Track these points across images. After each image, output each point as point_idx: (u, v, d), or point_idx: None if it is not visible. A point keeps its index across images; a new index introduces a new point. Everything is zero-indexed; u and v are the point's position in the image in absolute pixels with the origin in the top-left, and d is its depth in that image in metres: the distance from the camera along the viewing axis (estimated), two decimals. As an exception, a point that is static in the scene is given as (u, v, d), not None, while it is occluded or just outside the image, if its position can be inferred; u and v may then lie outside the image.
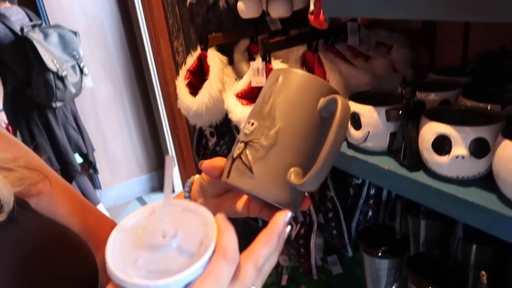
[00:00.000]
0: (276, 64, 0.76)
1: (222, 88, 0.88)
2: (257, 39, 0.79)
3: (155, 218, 0.34)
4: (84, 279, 0.42)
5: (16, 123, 2.25)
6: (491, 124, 0.52)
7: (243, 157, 0.38)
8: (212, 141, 1.02)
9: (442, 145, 0.54)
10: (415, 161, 0.59)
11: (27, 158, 0.47)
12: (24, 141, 2.21)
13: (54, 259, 0.41)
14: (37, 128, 2.18)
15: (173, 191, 3.08)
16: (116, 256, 0.31)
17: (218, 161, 0.42)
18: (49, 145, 2.21)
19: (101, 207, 2.69)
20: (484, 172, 0.54)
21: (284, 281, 1.15)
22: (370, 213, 0.97)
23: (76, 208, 0.51)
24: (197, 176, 0.51)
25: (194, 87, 0.93)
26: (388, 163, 0.63)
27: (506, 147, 0.48)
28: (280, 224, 0.34)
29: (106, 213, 2.77)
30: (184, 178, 1.21)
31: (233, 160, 0.39)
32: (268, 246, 0.33)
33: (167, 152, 3.10)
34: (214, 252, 0.31)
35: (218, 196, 0.46)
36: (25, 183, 0.42)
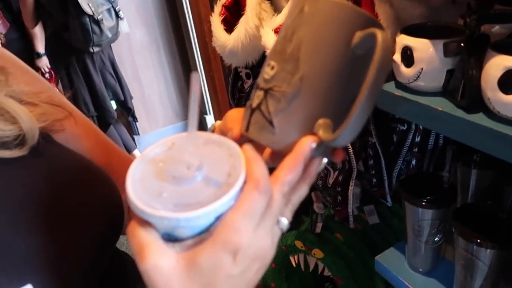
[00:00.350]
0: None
1: (259, 24, 0.82)
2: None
3: (176, 150, 0.32)
4: (110, 211, 0.41)
5: (56, 68, 2.29)
6: None
7: (262, 108, 0.33)
8: (248, 83, 0.98)
9: (510, 82, 0.47)
10: (476, 102, 0.53)
11: (50, 93, 0.45)
12: (63, 86, 2.26)
13: (79, 190, 0.39)
14: (75, 73, 2.21)
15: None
16: (139, 189, 0.29)
17: (233, 118, 0.37)
18: (87, 90, 2.25)
19: (137, 153, 2.76)
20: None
21: (318, 229, 1.14)
22: (413, 162, 0.91)
23: (100, 147, 0.49)
24: (218, 122, 0.48)
25: (230, 24, 0.87)
26: (442, 104, 0.56)
27: None
28: (305, 149, 0.31)
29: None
30: (219, 122, 1.19)
31: (252, 111, 0.34)
32: (292, 172, 0.31)
33: (203, 100, 3.09)
34: (244, 183, 0.28)
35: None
36: (49, 118, 0.40)
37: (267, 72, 0.34)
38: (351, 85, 0.32)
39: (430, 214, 0.72)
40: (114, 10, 2.21)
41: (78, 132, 0.46)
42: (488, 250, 0.61)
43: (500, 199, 0.66)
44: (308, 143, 0.31)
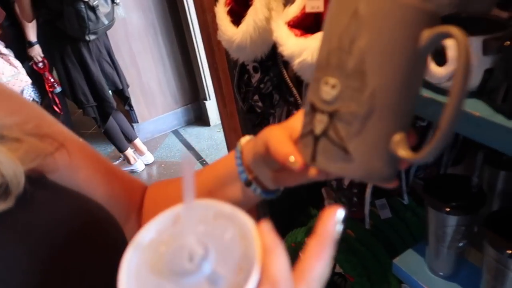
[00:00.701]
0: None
1: (269, 15, 0.75)
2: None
3: (180, 229, 0.26)
4: (108, 264, 0.36)
5: (50, 59, 2.21)
6: None
7: (331, 133, 0.29)
8: (256, 77, 0.92)
9: None
10: (518, 106, 0.48)
11: (37, 122, 0.39)
12: (59, 77, 2.19)
13: (78, 248, 0.34)
14: (71, 63, 2.14)
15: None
16: (132, 285, 0.23)
17: (284, 144, 0.33)
18: (84, 81, 2.18)
19: (138, 142, 2.71)
20: None
21: (329, 225, 1.10)
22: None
23: (99, 174, 0.44)
24: (246, 138, 0.43)
25: (237, 15, 0.81)
26: (479, 108, 0.51)
27: None
28: (332, 227, 0.26)
29: (144, 147, 2.81)
30: (224, 116, 1.14)
31: (316, 138, 0.30)
32: (322, 260, 0.25)
33: (202, 85, 3.02)
34: (259, 282, 0.22)
35: (281, 168, 0.37)
36: (38, 156, 0.34)
37: (326, 91, 0.30)
38: (418, 88, 0.30)
39: (455, 220, 0.67)
40: (109, -6, 2.12)
41: (73, 163, 0.41)
42: (522, 262, 0.57)
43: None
44: (333, 219, 0.26)
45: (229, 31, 0.77)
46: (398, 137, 0.29)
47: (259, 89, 0.93)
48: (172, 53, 2.97)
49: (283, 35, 0.65)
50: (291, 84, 0.87)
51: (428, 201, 0.69)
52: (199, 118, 3.27)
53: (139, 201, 0.49)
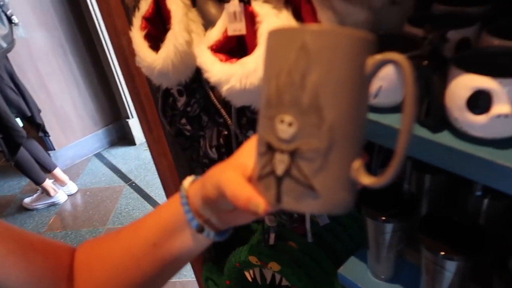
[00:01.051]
0: (258, 5, 0.62)
1: (190, 38, 0.72)
2: (227, -27, 0.63)
3: None
4: None
5: None
6: (540, 72, 0.43)
7: (294, 173, 0.29)
8: (181, 100, 0.88)
9: (479, 102, 0.44)
10: (441, 120, 0.50)
11: None
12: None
13: None
14: (-33, 93, 1.90)
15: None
16: None
17: (243, 186, 0.32)
18: (-15, 112, 1.95)
19: (57, 171, 2.49)
20: (526, 130, 0.45)
21: (272, 240, 1.09)
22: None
23: (14, 256, 0.38)
24: (189, 179, 0.39)
25: (155, 39, 0.76)
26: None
27: None
28: None
29: (65, 176, 2.59)
30: (151, 141, 1.08)
31: (279, 179, 0.30)
32: None
33: (123, 103, 2.87)
34: None
35: (235, 209, 0.35)
36: None
37: (283, 130, 0.29)
38: (367, 113, 0.31)
39: (391, 227, 0.70)
40: (6, 14, 1.92)
41: None
42: (455, 261, 0.61)
43: (462, 207, 0.66)
44: None
45: (148, 58, 0.72)
46: (357, 164, 0.30)
47: (186, 112, 0.89)
48: (85, 72, 2.78)
49: (207, 61, 0.62)
50: (219, 106, 0.85)
51: (365, 211, 0.71)
52: (123, 138, 3.10)
53: (68, 268, 0.44)
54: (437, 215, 0.67)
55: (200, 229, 0.38)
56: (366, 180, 0.30)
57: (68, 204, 2.55)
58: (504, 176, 0.44)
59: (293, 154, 0.29)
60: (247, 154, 0.36)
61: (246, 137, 0.78)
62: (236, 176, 0.33)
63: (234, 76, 0.57)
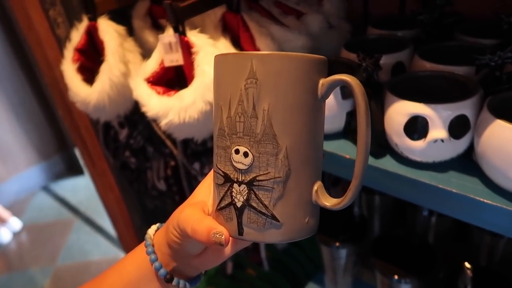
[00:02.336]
0: (193, 35, 0.60)
1: (126, 69, 0.69)
2: (162, 0, 0.61)
3: None
4: None
5: None
6: (470, 97, 0.43)
7: (254, 204, 0.28)
8: (123, 133, 0.83)
9: (416, 127, 0.45)
10: (382, 145, 0.50)
11: None
12: None
13: None
14: None
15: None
16: None
17: (202, 220, 0.31)
18: None
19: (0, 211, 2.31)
20: (462, 153, 0.46)
21: (229, 269, 1.06)
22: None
23: None
24: (153, 228, 0.37)
25: (89, 71, 0.72)
26: (347, 150, 0.53)
27: (497, 126, 0.40)
28: None
29: (6, 213, 2.40)
30: (95, 176, 1.02)
31: (239, 210, 0.29)
32: None
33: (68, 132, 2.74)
34: None
35: (202, 251, 0.34)
36: None
37: (239, 160, 0.28)
38: (323, 134, 0.30)
39: (345, 252, 0.69)
40: None
41: None
42: (408, 283, 0.61)
43: (412, 226, 0.66)
44: None
45: (81, 92, 0.68)
46: (316, 187, 0.30)
47: (129, 145, 0.85)
48: (26, 100, 2.63)
49: (144, 94, 0.59)
50: (163, 136, 0.81)
51: (319, 238, 0.70)
52: (71, 168, 2.95)
53: None
54: (388, 236, 0.67)
55: (169, 279, 0.35)
56: (328, 202, 0.29)
57: (12, 245, 2.36)
58: (444, 199, 0.45)
59: (251, 185, 0.28)
60: (205, 191, 0.35)
61: (193, 168, 0.75)
62: (195, 212, 0.32)
63: (172, 110, 0.55)
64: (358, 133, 0.28)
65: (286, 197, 0.29)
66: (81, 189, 2.76)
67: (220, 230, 0.30)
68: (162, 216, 1.08)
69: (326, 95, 0.29)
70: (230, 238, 0.30)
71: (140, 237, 1.16)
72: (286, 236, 0.30)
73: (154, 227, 0.38)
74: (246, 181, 0.28)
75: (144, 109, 0.59)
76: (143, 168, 0.92)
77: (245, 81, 0.27)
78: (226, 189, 0.30)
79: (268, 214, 0.29)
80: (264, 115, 0.27)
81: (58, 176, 2.91)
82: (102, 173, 1.01)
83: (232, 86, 0.28)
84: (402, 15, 0.73)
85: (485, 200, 0.42)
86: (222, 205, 0.30)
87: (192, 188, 0.82)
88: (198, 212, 0.32)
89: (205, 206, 0.33)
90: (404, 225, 0.70)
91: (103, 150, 0.93)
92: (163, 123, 0.56)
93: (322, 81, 0.28)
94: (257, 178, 0.28)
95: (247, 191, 0.29)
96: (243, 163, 0.28)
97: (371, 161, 0.50)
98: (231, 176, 0.29)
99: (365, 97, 0.27)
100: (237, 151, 0.28)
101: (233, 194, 0.29)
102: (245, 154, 0.28)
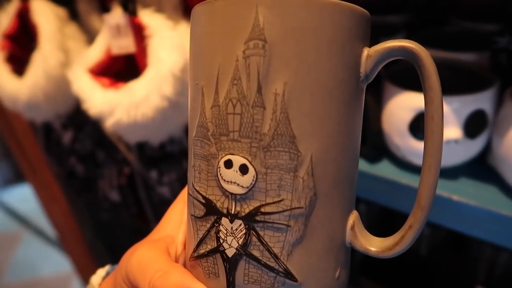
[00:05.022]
0: (147, 15, 0.49)
1: (66, 59, 0.57)
2: (110, -22, 0.50)
3: None
4: None
5: None
6: (487, 88, 0.36)
7: (256, 252, 0.17)
8: (67, 136, 0.71)
9: (422, 126, 0.37)
10: (379, 148, 0.42)
11: None
12: None
13: None
14: None
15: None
16: None
17: (166, 273, 0.19)
18: None
19: None
20: (475, 156, 0.39)
21: None
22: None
23: None
24: (100, 274, 0.25)
25: (21, 62, 0.60)
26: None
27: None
28: None
29: None
30: (38, 186, 0.88)
31: (230, 262, 0.18)
32: None
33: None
34: None
35: None
36: None
37: (232, 180, 0.17)
38: (360, 135, 0.20)
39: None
40: None
41: None
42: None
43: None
44: None
45: (10, 85, 0.56)
46: (352, 220, 0.19)
47: (74, 151, 0.72)
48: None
49: (85, 87, 0.47)
50: (115, 139, 0.69)
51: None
52: (20, 175, 2.72)
53: None
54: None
55: None
56: (373, 246, 0.19)
57: (-50, 261, 2.13)
58: (459, 214, 0.37)
59: (251, 220, 0.17)
60: (175, 220, 0.23)
61: (150, 177, 0.64)
62: (155, 255, 0.20)
63: (119, 106, 0.44)
64: (428, 138, 0.17)
65: (308, 241, 0.18)
66: (30, 197, 2.54)
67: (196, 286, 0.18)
68: (119, 230, 0.97)
69: (371, 74, 0.18)
70: None
71: (93, 254, 1.03)
72: None
73: (100, 273, 0.26)
74: (243, 214, 0.18)
75: (86, 105, 0.48)
76: (93, 177, 0.79)
77: (244, 45, 0.16)
78: (209, 226, 0.18)
79: (280, 269, 0.18)
80: (277, 102, 0.16)
81: (6, 183, 2.68)
82: (44, 183, 0.87)
83: (223, 53, 0.17)
84: None
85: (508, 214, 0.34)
86: (202, 251, 0.19)
87: (151, 200, 0.71)
88: (160, 257, 0.20)
89: (172, 244, 0.22)
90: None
91: (46, 156, 0.80)
92: (109, 122, 0.45)
93: (367, 51, 0.18)
94: (262, 210, 0.17)
95: (244, 231, 0.18)
96: (239, 184, 0.17)
97: (364, 166, 0.42)
98: (218, 205, 0.18)
99: (437, 73, 0.17)
100: (228, 164, 0.17)
101: (221, 235, 0.18)
102: (243, 169, 0.17)
